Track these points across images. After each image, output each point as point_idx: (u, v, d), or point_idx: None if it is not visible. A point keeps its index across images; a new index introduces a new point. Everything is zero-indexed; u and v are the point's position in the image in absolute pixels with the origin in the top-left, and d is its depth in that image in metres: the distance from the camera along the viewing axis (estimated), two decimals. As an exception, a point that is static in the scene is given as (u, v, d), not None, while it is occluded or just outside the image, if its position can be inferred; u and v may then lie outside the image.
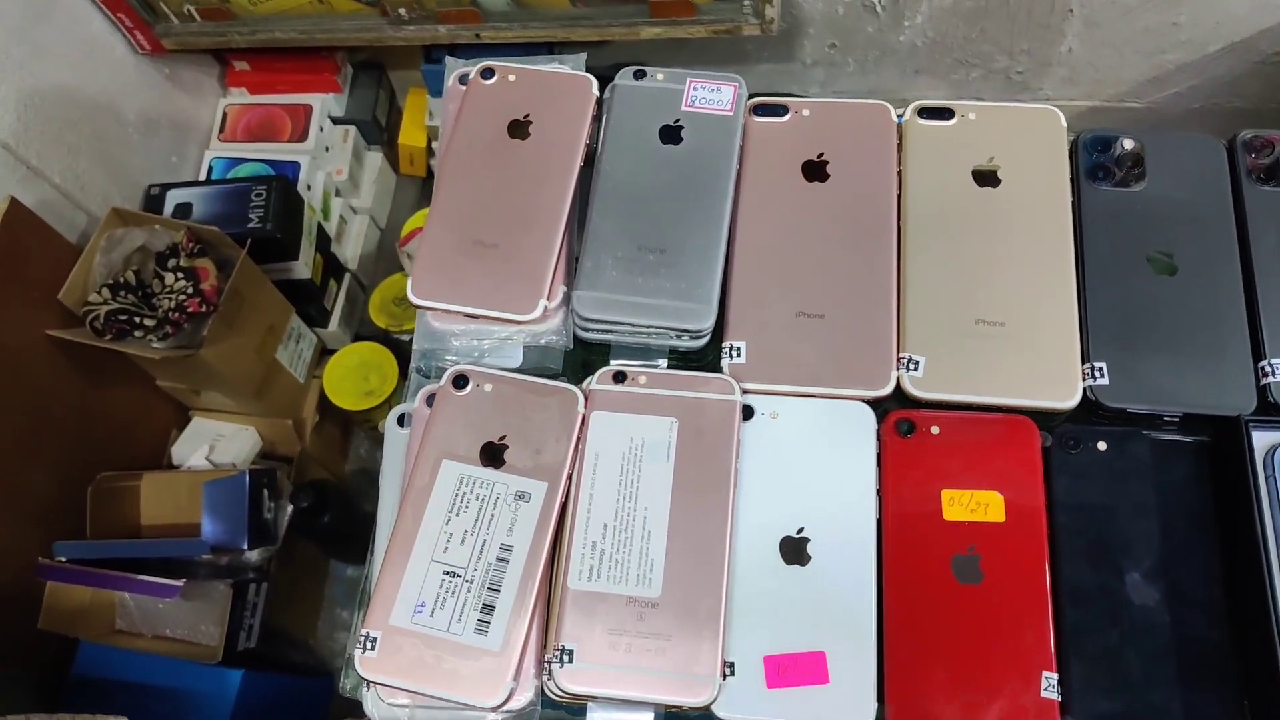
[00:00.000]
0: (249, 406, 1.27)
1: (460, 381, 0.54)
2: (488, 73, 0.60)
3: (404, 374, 1.36)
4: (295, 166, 1.32)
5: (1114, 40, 1.32)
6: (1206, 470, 0.52)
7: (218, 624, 1.15)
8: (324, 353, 1.41)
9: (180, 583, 1.07)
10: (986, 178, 0.57)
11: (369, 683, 0.49)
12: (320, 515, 1.25)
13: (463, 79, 0.60)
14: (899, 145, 0.59)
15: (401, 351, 1.39)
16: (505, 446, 0.53)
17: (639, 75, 0.60)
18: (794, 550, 0.51)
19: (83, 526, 1.13)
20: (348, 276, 1.43)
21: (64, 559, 1.09)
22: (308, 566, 1.39)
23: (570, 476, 0.52)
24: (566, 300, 0.56)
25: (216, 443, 1.30)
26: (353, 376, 1.37)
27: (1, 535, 1.04)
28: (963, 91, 1.44)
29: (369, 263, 1.50)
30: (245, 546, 1.18)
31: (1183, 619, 0.48)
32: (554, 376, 0.56)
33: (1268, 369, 0.52)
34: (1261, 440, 0.50)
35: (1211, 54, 1.33)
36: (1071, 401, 0.53)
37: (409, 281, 0.55)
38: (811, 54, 1.38)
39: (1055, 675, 0.48)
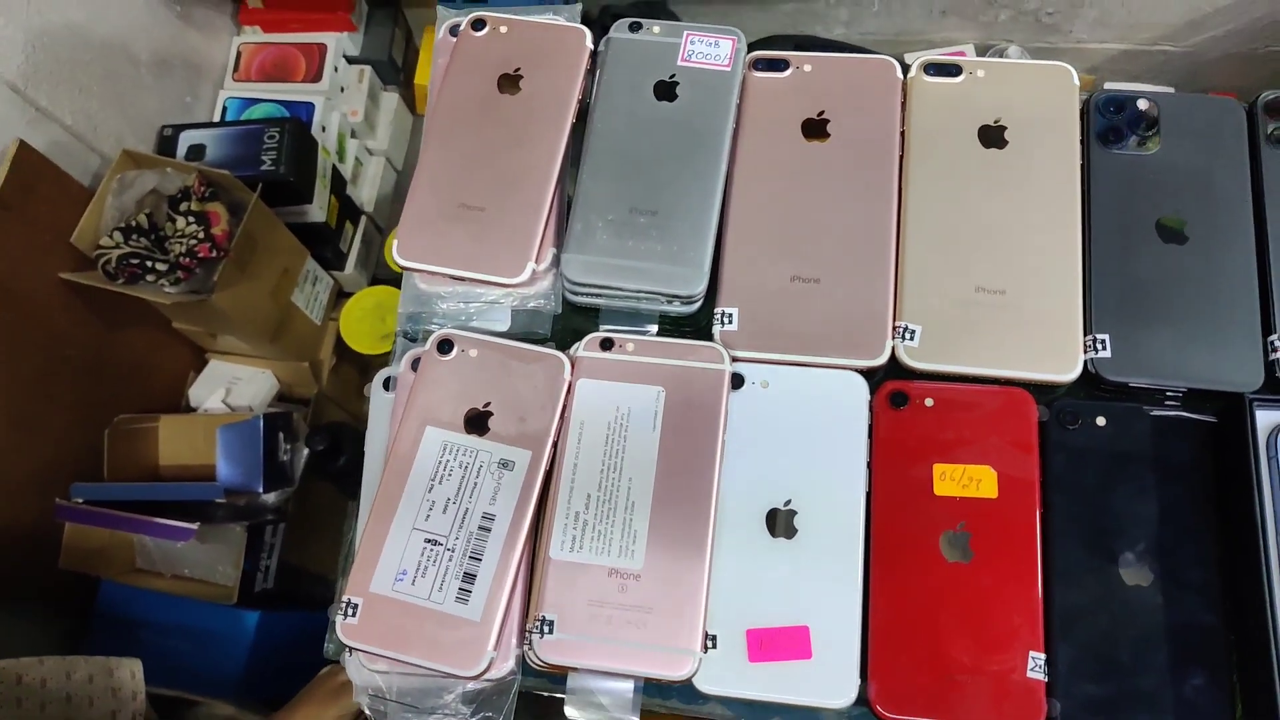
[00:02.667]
0: (265, 350, 1.28)
1: (445, 346, 0.53)
2: (479, 24, 0.58)
3: (420, 317, 1.36)
4: (310, 107, 1.31)
5: (1151, -21, 1.26)
6: (1209, 449, 0.50)
7: (234, 566, 1.17)
8: (340, 295, 1.41)
9: (194, 526, 1.08)
10: (993, 138, 0.55)
11: (350, 649, 0.49)
12: (336, 457, 1.26)
13: (454, 30, 0.59)
14: (903, 103, 0.56)
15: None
16: (490, 414, 0.52)
17: (634, 28, 0.57)
18: (781, 523, 0.50)
19: (100, 468, 1.15)
20: (364, 219, 1.43)
21: (81, 500, 1.11)
22: (325, 506, 1.41)
23: (555, 445, 0.51)
24: (556, 263, 0.55)
25: (233, 385, 1.31)
26: (369, 319, 1.37)
27: (21, 476, 1.06)
28: (992, 34, 1.39)
29: (385, 205, 1.49)
30: (260, 490, 1.20)
31: (1176, 602, 0.47)
32: (542, 341, 0.55)
33: (1276, 344, 0.50)
34: (1265, 419, 0.48)
35: (1252, -4, 1.27)
36: (1071, 374, 0.51)
37: (394, 243, 0.54)
38: (835, -9, 1.34)
39: (1043, 656, 0.47)
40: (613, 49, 0.57)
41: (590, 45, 0.57)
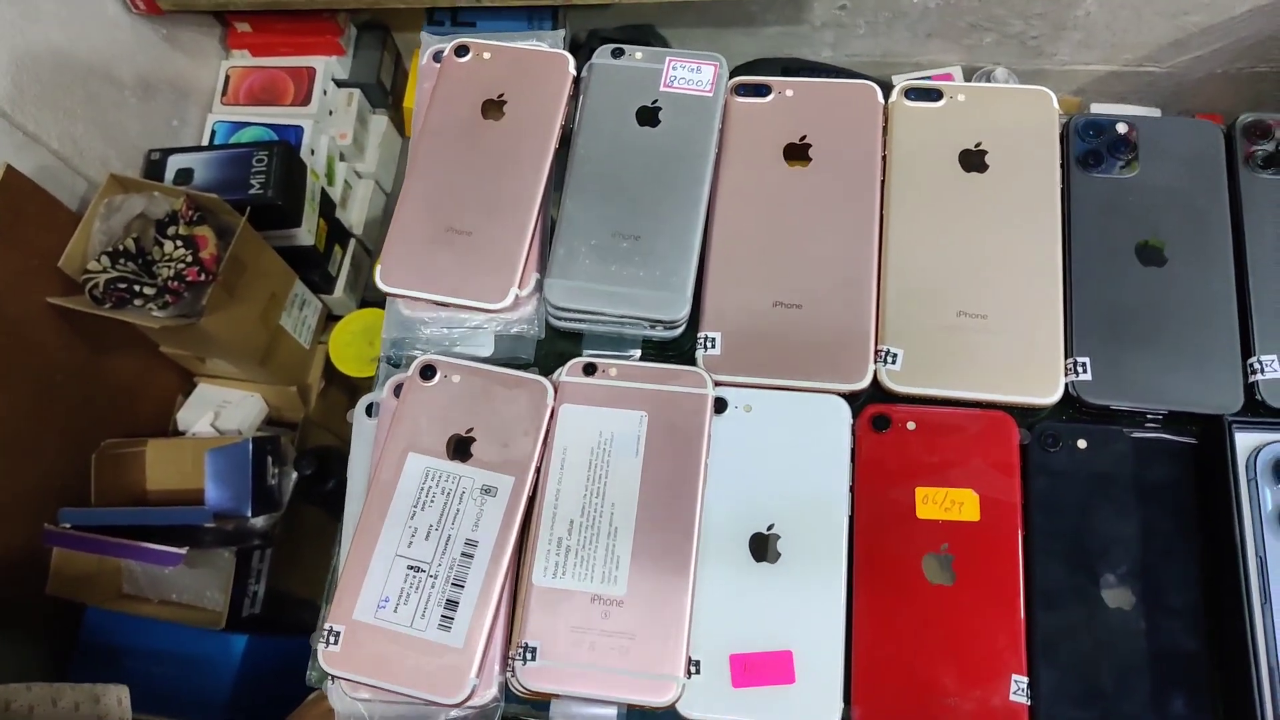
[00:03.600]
0: (253, 373, 1.27)
1: (428, 372, 0.53)
2: (462, 50, 0.58)
3: (409, 340, 1.36)
4: (299, 130, 1.31)
5: (1133, 1, 1.28)
6: (1190, 472, 0.50)
7: (222, 591, 1.16)
8: (329, 318, 1.40)
9: (183, 551, 1.08)
10: (974, 162, 0.55)
11: (332, 676, 0.49)
12: (324, 481, 1.26)
13: (437, 56, 0.59)
14: (885, 127, 0.57)
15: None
16: (473, 439, 0.52)
17: (617, 54, 0.58)
18: (763, 547, 0.50)
19: (88, 493, 1.14)
20: (352, 242, 1.43)
21: (69, 526, 1.10)
22: (313, 530, 1.40)
23: (538, 470, 0.51)
24: (539, 288, 0.55)
25: (222, 409, 1.31)
26: (358, 342, 1.37)
27: (8, 502, 1.05)
28: (977, 56, 1.40)
29: (374, 227, 1.49)
30: (249, 514, 1.19)
31: (1158, 626, 0.47)
32: (526, 366, 0.56)
33: (1256, 366, 0.50)
34: (1244, 441, 0.48)
35: (1238, 15, 1.29)
36: (1053, 397, 0.51)
37: (377, 269, 0.54)
38: (821, 16, 1.35)
39: (1025, 679, 0.47)
40: (596, 74, 0.58)
41: (573, 71, 0.58)
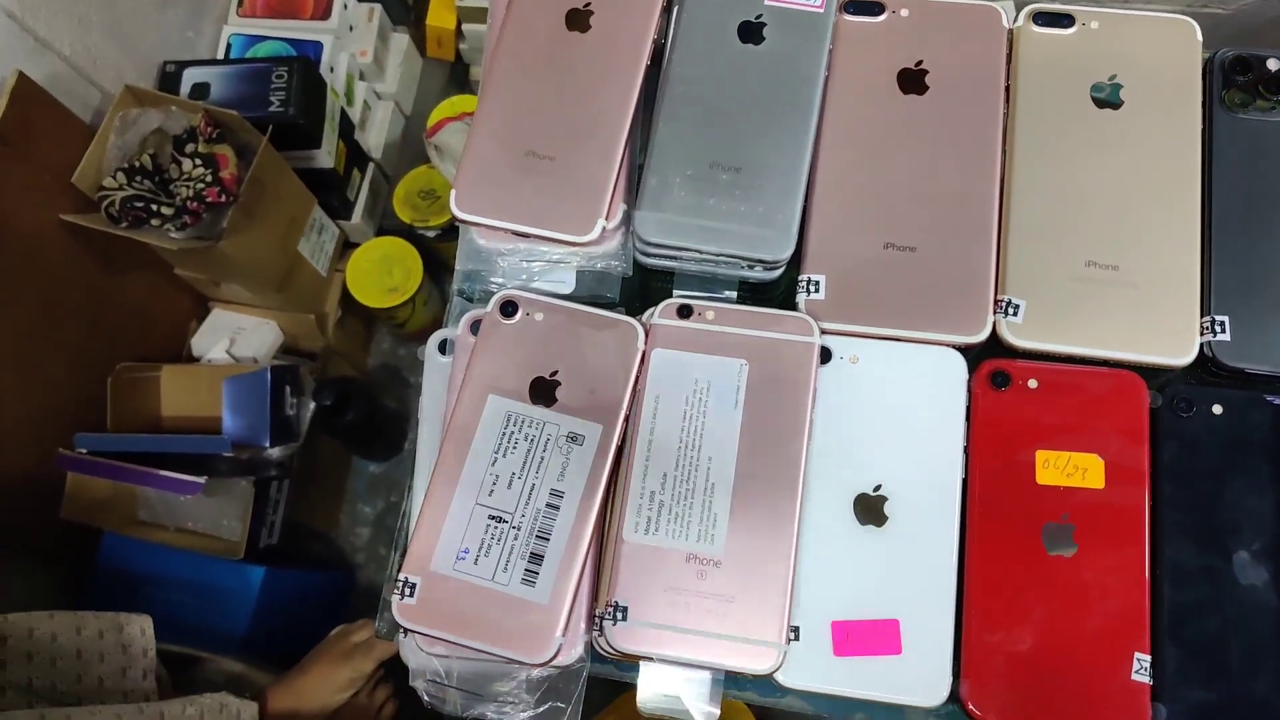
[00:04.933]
0: (270, 300, 1.23)
1: (509, 308, 0.49)
2: (545, -46, 0.53)
3: (428, 271, 1.32)
4: (318, 46, 1.25)
5: (1207, -61, 1.22)
6: (1333, 443, 0.47)
7: (240, 520, 1.14)
8: (347, 245, 1.36)
9: (202, 480, 1.05)
10: (1108, 98, 0.51)
11: (405, 630, 0.45)
12: (343, 413, 1.23)
13: (516, -39, 0.53)
14: (1009, 55, 0.52)
15: (426, 247, 1.34)
16: (557, 383, 0.48)
17: (717, -37, 0.52)
18: (870, 509, 0.47)
19: (103, 416, 1.11)
20: (371, 166, 1.37)
21: (85, 450, 1.07)
22: (330, 462, 1.37)
23: (627, 419, 0.48)
24: (627, 221, 0.50)
25: (237, 336, 1.27)
26: (376, 271, 1.32)
27: (21, 423, 1.02)
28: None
29: (393, 152, 1.43)
30: (267, 444, 1.16)
31: (1296, 606, 0.44)
32: (610, 305, 0.51)
33: None
34: (1400, 413, 0.45)
35: (1310, -46, 1.23)
36: (1187, 358, 0.47)
37: (452, 194, 0.50)
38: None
39: (1148, 658, 0.44)
40: (692, -15, 0.52)
41: (668, -20, 0.52)
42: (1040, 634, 0.45)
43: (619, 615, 0.45)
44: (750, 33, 0.51)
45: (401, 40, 1.42)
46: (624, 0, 0.52)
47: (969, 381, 0.48)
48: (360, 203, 1.35)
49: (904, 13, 0.52)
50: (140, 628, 0.74)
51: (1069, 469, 0.46)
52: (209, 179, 1.03)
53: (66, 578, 1.09)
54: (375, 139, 1.40)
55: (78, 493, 1.08)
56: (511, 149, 0.50)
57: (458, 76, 1.50)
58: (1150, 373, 0.48)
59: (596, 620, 0.45)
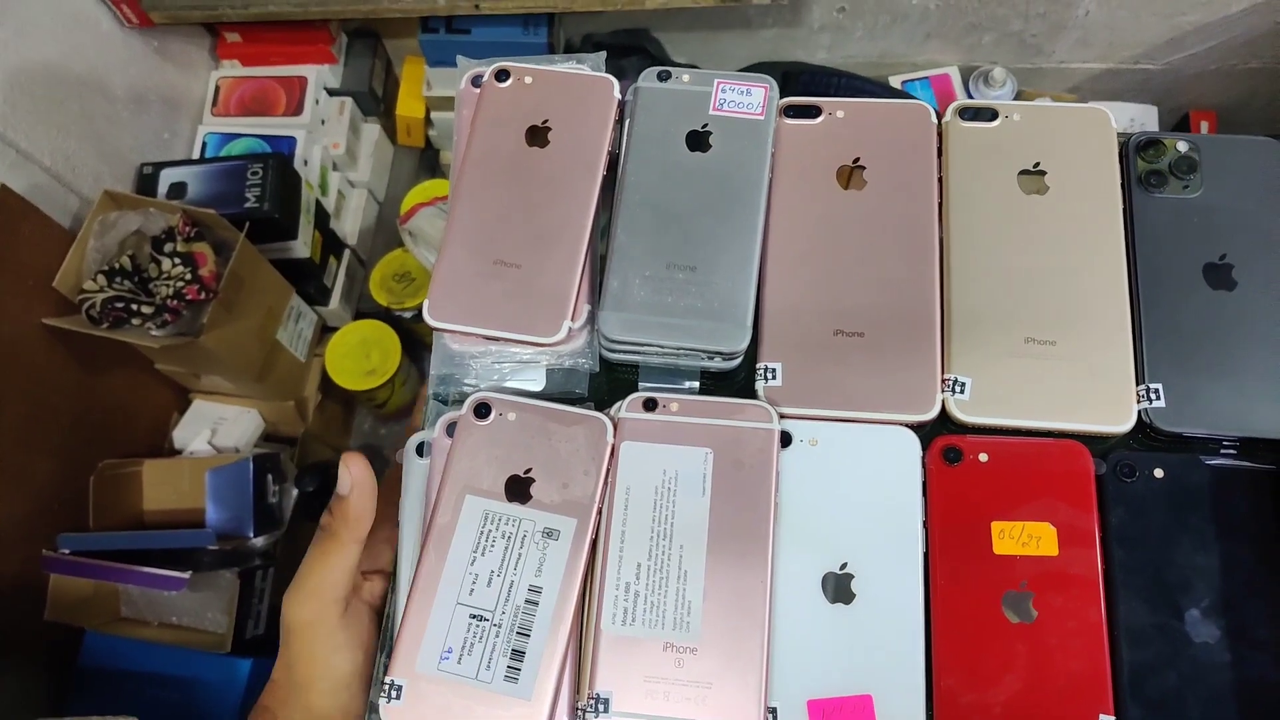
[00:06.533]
0: (250, 389, 1.25)
1: (482, 410, 0.51)
2: (503, 75, 0.56)
3: (406, 351, 1.34)
4: (291, 141, 1.29)
5: (1132, 2, 1.28)
6: (1270, 500, 0.49)
7: (225, 613, 1.14)
8: (325, 330, 1.38)
9: (186, 575, 1.05)
10: (1033, 184, 0.54)
11: (396, 732, 0.47)
12: (326, 497, 1.23)
13: (476, 81, 0.57)
14: (940, 149, 0.55)
15: (403, 328, 1.36)
16: (531, 480, 0.50)
17: (663, 77, 0.56)
18: (838, 587, 0.49)
19: (85, 514, 1.12)
20: (347, 253, 1.40)
21: (67, 551, 1.07)
22: (315, 549, 1.38)
23: (600, 511, 0.50)
24: (591, 320, 0.53)
25: (218, 426, 1.28)
26: (354, 355, 1.34)
27: (6, 527, 1.02)
28: (975, 56, 1.40)
29: (368, 237, 1.47)
30: (251, 534, 1.17)
31: (1246, 659, 0.46)
32: (579, 400, 0.54)
33: (1333, 390, 0.50)
34: (1328, 470, 0.48)
35: (1233, 14, 1.30)
36: (1126, 425, 0.50)
37: (425, 304, 0.52)
38: (819, 18, 1.34)
39: (1113, 718, 0.46)
40: (642, 98, 0.56)
41: (619, 95, 0.56)
42: (1008, 700, 0.47)
43: (600, 707, 0.46)
44: (698, 141, 0.55)
45: (373, 130, 1.46)
46: (579, 116, 0.55)
47: (923, 458, 0.51)
48: (337, 288, 1.38)
49: (840, 114, 0.56)
50: None
51: (1024, 538, 0.49)
52: (188, 277, 1.05)
53: (52, 678, 1.09)
54: (350, 226, 1.43)
55: (60, 593, 1.09)
56: (481, 259, 0.53)
57: (428, 161, 1.54)
58: (1094, 441, 0.51)
59: (579, 713, 0.47)
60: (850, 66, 1.42)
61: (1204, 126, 1.41)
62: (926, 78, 1.40)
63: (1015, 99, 1.34)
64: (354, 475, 0.50)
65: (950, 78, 1.40)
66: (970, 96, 1.38)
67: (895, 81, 1.41)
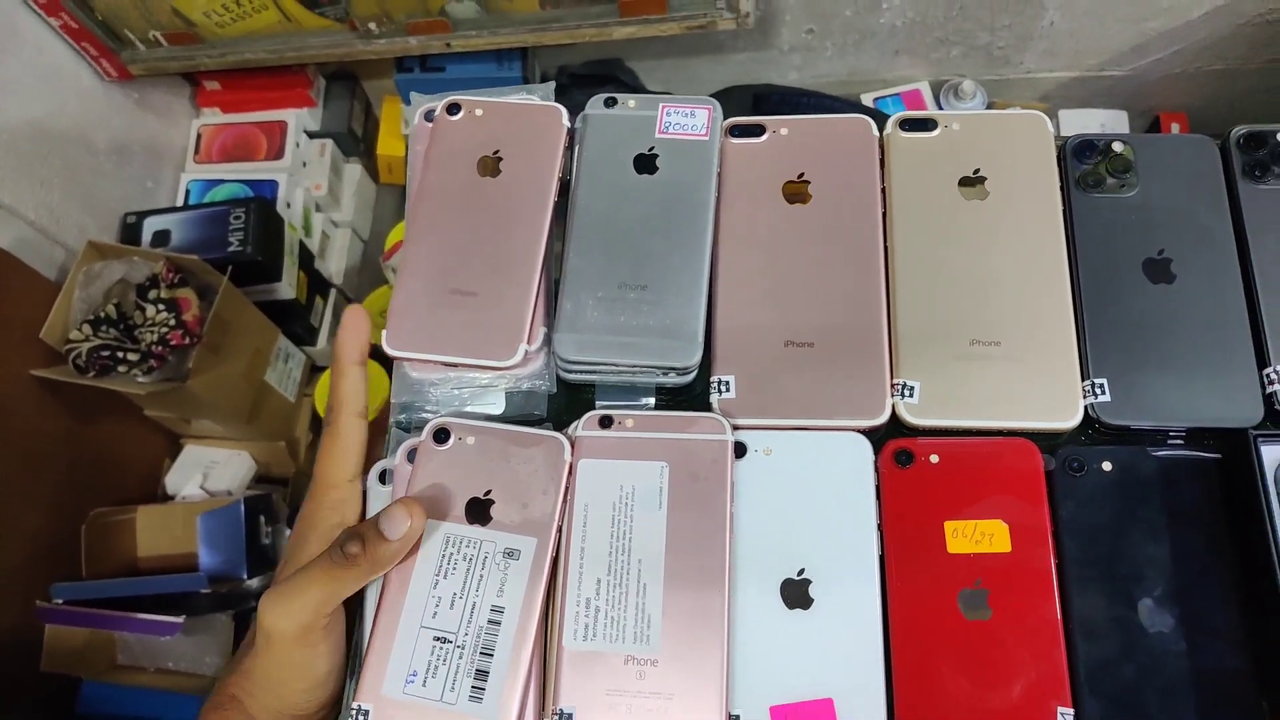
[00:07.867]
0: (240, 431, 1.26)
1: (441, 435, 0.52)
2: (454, 108, 0.58)
3: (396, 387, 1.35)
4: (273, 185, 1.31)
5: (1096, 10, 1.30)
6: (1217, 487, 0.50)
7: (221, 656, 1.14)
8: (314, 370, 1.39)
9: (180, 620, 1.06)
10: (974, 190, 0.55)
11: (365, 756, 0.47)
12: (320, 537, 1.24)
13: (429, 115, 0.58)
14: (882, 160, 0.57)
15: (390, 365, 1.37)
16: (491, 501, 0.51)
17: (610, 103, 0.57)
18: (796, 593, 0.49)
19: (78, 564, 1.13)
20: (333, 291, 1.42)
21: (62, 601, 1.08)
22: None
23: (560, 529, 0.50)
24: (547, 342, 0.54)
25: (210, 470, 1.29)
26: (344, 393, 1.35)
27: (1, 578, 1.03)
28: (944, 70, 1.42)
29: (353, 275, 1.48)
30: (245, 576, 1.17)
31: (1201, 647, 0.47)
32: (538, 421, 0.55)
33: (1272, 376, 0.50)
34: (1272, 454, 0.48)
35: (1195, 19, 1.32)
36: (1073, 421, 0.51)
37: (384, 334, 0.53)
38: (788, 40, 1.36)
39: (1070, 711, 0.46)
40: (590, 125, 0.57)
41: (568, 123, 0.57)
42: (967, 697, 0.47)
43: (565, 721, 0.47)
44: (645, 164, 0.56)
45: (354, 170, 1.48)
46: (530, 146, 0.57)
47: (875, 462, 0.51)
48: (324, 328, 1.39)
49: (783, 131, 0.57)
50: None
51: (977, 536, 0.49)
52: (172, 323, 1.07)
53: (51, 729, 1.09)
54: (335, 265, 1.45)
55: (56, 643, 1.09)
56: (437, 288, 0.54)
57: (410, 198, 1.55)
58: (1042, 438, 0.51)
59: (545, 728, 0.47)
60: (822, 85, 1.44)
61: (1174, 128, 1.43)
62: (898, 94, 1.42)
63: (988, 110, 1.36)
64: (413, 525, 0.48)
65: (921, 93, 1.42)
66: (941, 110, 1.39)
67: (867, 98, 1.43)
